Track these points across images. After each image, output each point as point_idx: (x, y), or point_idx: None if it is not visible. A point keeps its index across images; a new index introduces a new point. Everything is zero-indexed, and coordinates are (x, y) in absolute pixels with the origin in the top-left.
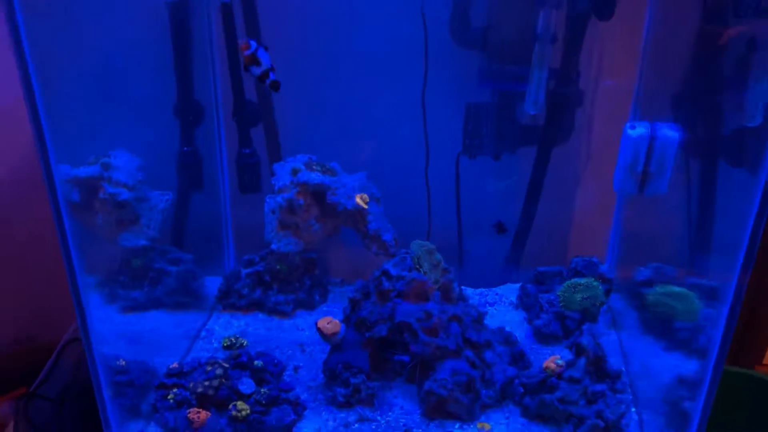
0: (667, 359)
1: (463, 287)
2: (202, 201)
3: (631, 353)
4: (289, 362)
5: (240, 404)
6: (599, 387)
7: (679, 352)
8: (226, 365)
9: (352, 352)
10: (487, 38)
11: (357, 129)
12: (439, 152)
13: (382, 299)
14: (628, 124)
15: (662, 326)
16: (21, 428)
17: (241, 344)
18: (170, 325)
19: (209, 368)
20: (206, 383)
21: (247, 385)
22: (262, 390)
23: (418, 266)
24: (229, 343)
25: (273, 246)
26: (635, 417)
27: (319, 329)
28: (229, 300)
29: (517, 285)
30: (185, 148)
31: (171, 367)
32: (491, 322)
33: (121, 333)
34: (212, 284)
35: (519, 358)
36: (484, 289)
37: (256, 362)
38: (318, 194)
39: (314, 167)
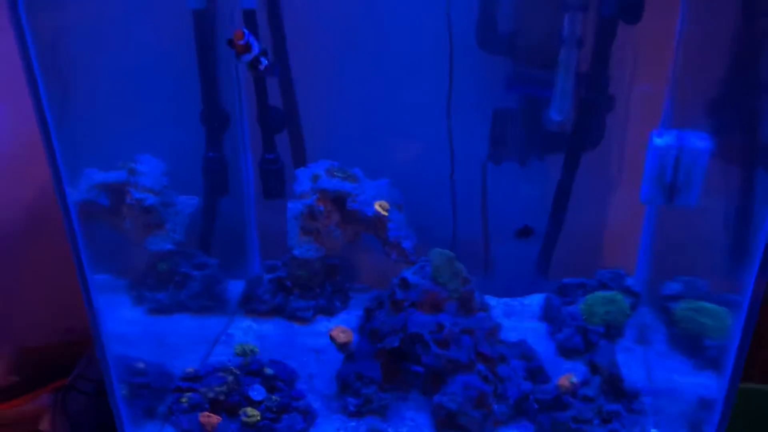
0: (694, 378)
1: (488, 297)
2: (228, 206)
3: (656, 371)
4: (304, 369)
5: (250, 410)
6: (614, 407)
7: (708, 372)
8: (237, 372)
9: (365, 362)
10: (514, 43)
11: (382, 135)
12: (464, 158)
13: (395, 309)
14: (655, 132)
15: (691, 343)
16: (57, 420)
17: (252, 351)
18: (192, 328)
19: (221, 374)
20: (218, 388)
21: (257, 391)
22: (273, 397)
23: (436, 275)
24: (240, 350)
25: (294, 252)
26: None
27: (331, 338)
28: (251, 305)
29: (544, 295)
30: (210, 154)
31: (187, 370)
32: (513, 333)
33: (145, 334)
34: (237, 289)
35: (537, 373)
36: (509, 299)
37: (266, 370)
38: (338, 200)
39: (335, 173)
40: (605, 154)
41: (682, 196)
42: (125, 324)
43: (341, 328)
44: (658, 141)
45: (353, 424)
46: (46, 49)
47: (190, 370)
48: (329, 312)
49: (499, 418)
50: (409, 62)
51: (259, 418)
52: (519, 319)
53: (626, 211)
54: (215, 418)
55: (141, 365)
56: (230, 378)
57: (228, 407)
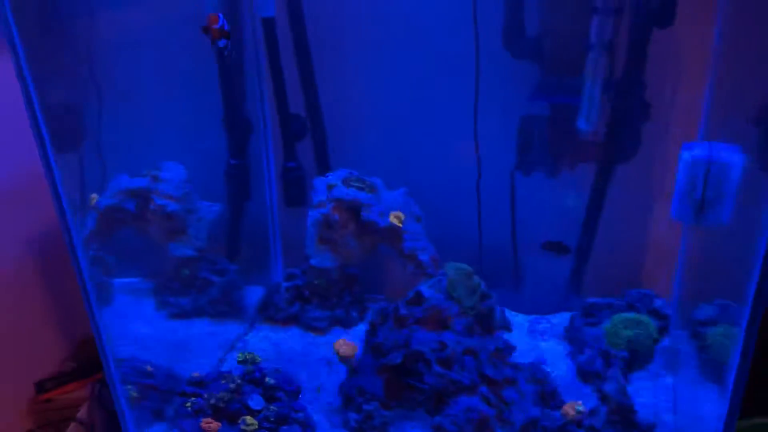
0: (723, 409)
1: (515, 314)
2: (250, 213)
3: (682, 400)
4: (314, 380)
5: (249, 419)
6: None
7: None
8: (239, 380)
9: (367, 377)
10: (542, 48)
11: (407, 142)
12: (490, 167)
13: (399, 325)
14: (685, 145)
15: (722, 372)
16: (94, 410)
17: (254, 360)
18: (210, 333)
19: (224, 381)
20: (219, 395)
21: (256, 401)
22: (271, 407)
23: (451, 290)
24: (243, 359)
25: (312, 261)
26: None
27: (335, 350)
28: (269, 312)
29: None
30: (233, 161)
31: (193, 375)
32: (533, 354)
33: (162, 338)
34: (258, 295)
35: (550, 398)
36: (538, 317)
37: (267, 379)
38: (354, 210)
39: (352, 183)
40: (643, 165)
41: (712, 212)
42: (145, 326)
43: (345, 341)
44: (687, 154)
45: None
46: (81, 62)
47: (195, 375)
48: (346, 323)
49: None
50: (435, 67)
51: (257, 427)
52: (543, 338)
53: (667, 228)
54: (216, 425)
55: (149, 368)
56: (231, 386)
57: (229, 414)
